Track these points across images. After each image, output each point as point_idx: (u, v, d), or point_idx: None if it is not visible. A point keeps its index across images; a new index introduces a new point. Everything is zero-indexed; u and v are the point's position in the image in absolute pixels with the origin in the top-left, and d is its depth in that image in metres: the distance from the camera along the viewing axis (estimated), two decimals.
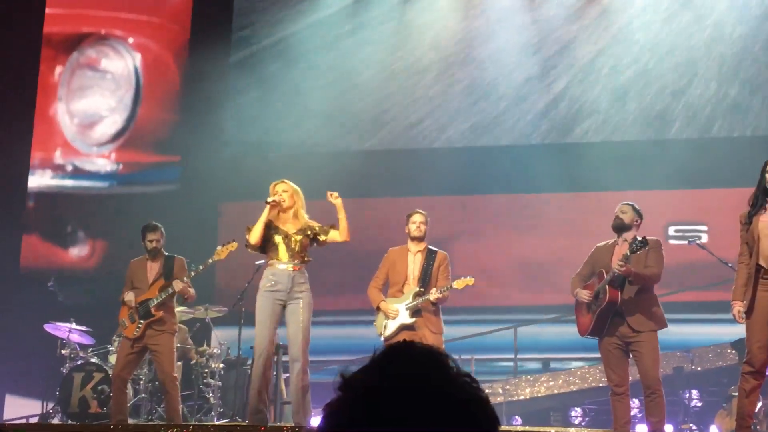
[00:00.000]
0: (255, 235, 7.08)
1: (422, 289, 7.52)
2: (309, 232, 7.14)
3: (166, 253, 8.11)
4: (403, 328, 7.49)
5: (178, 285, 7.71)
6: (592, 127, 11.07)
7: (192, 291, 7.88)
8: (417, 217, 7.69)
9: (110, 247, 12.33)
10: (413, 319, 7.49)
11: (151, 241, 7.97)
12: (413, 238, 7.68)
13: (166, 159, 12.62)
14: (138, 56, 12.73)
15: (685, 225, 10.46)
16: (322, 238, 7.15)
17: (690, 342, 9.90)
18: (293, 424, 6.99)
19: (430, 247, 7.72)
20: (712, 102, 10.74)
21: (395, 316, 7.53)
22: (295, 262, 7.08)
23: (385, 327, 7.58)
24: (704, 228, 10.15)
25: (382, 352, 1.25)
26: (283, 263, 7.08)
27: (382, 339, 7.64)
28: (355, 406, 1.20)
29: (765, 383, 6.87)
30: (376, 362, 1.23)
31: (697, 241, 8.15)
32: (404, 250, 7.75)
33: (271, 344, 7.01)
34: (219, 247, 7.77)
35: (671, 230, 10.55)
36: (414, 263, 7.65)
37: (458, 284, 7.46)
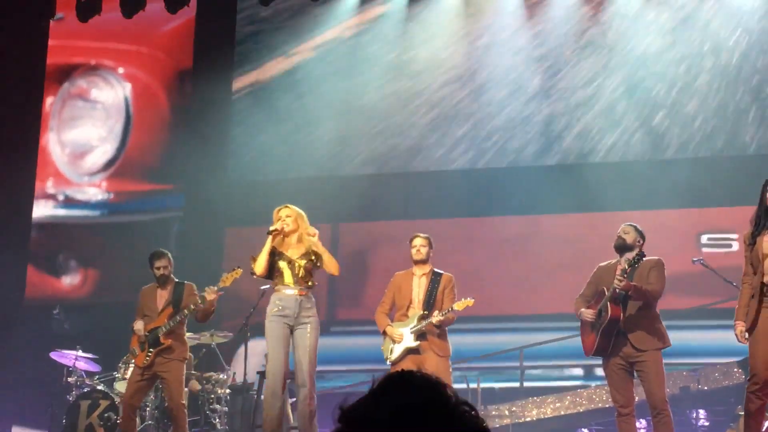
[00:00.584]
0: (260, 266, 7.12)
1: (426, 312, 7.53)
2: (313, 257, 7.16)
3: (176, 279, 8.13)
4: (409, 351, 7.50)
5: (210, 294, 7.69)
6: (599, 148, 11.07)
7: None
8: (417, 241, 7.71)
9: (102, 276, 12.38)
10: (418, 343, 7.49)
11: (158, 268, 7.99)
12: (415, 262, 7.70)
13: (159, 187, 12.68)
14: (128, 86, 12.84)
15: (718, 233, 10.45)
16: (319, 264, 7.19)
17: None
18: None
19: (435, 270, 7.73)
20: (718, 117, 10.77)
21: (400, 339, 7.54)
22: (301, 287, 7.11)
23: (391, 351, 7.59)
24: (735, 236, 10.10)
25: (380, 384, 1.26)
26: (289, 288, 7.10)
27: (388, 363, 7.64)
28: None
29: None
30: (374, 394, 1.24)
31: (702, 261, 8.14)
32: (409, 273, 7.76)
33: (283, 368, 7.01)
34: (224, 275, 7.79)
35: (704, 238, 10.56)
36: (419, 286, 7.66)
37: (458, 306, 7.46)
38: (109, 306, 11.61)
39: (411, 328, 7.51)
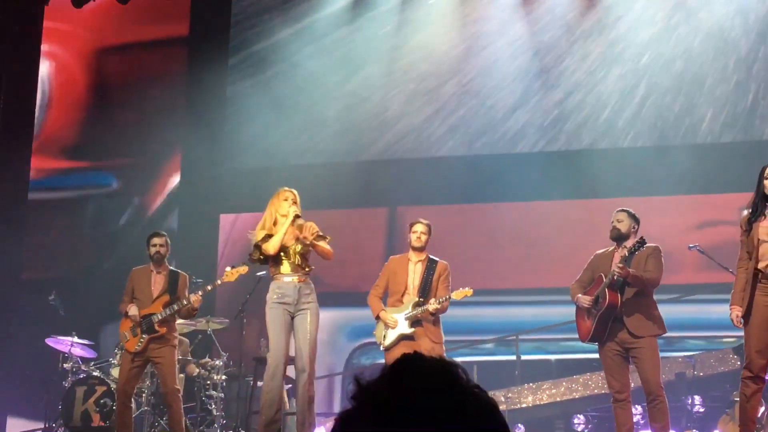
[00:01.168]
0: (274, 247, 7.06)
1: (422, 299, 7.52)
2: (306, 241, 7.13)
3: (171, 267, 8.11)
4: (403, 338, 7.50)
5: (194, 298, 7.72)
6: (597, 134, 11.07)
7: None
8: (418, 227, 7.68)
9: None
10: (412, 329, 7.49)
11: (154, 246, 7.93)
12: (414, 248, 7.69)
13: (77, 165, 12.70)
14: (49, 64, 12.80)
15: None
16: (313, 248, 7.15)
17: None
18: None
19: (431, 256, 7.71)
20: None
21: (394, 325, 7.53)
22: (299, 274, 7.09)
23: (384, 337, 7.59)
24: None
25: (395, 363, 1.26)
26: (287, 276, 7.09)
27: (381, 348, 7.65)
28: (368, 416, 1.22)
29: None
30: (389, 373, 1.24)
31: (698, 247, 8.15)
32: (405, 259, 7.75)
33: (284, 354, 7.01)
34: (228, 269, 7.76)
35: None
36: (414, 273, 7.65)
37: (456, 295, 7.46)
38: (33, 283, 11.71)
39: (406, 315, 7.51)
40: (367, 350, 11.35)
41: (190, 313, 7.98)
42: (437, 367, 1.25)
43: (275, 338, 7.02)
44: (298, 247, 7.09)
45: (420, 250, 7.66)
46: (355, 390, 1.25)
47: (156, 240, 7.96)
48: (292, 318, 7.03)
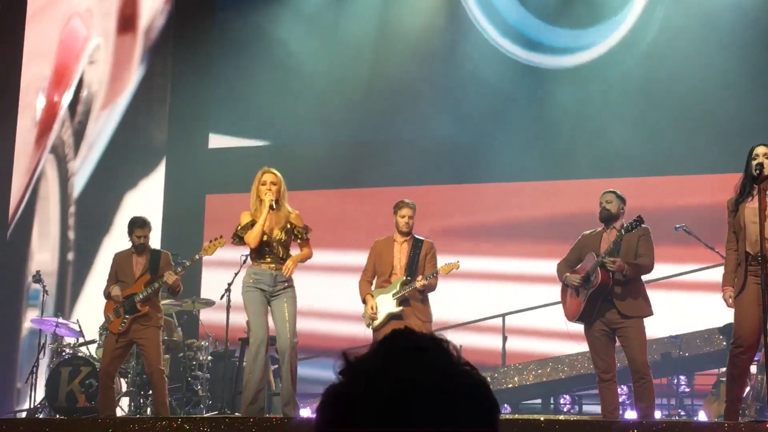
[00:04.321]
0: (255, 239, 7.02)
1: (409, 278, 7.51)
2: (294, 231, 7.07)
3: (152, 248, 8.08)
4: (391, 317, 7.48)
5: (170, 277, 7.67)
6: (576, 115, 11.04)
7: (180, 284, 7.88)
8: (406, 211, 7.61)
9: None
10: (401, 308, 7.48)
11: (139, 237, 7.91)
12: (401, 233, 7.65)
13: None
14: None
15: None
16: (299, 239, 7.11)
17: None
18: (282, 416, 6.98)
19: (416, 236, 7.69)
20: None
21: (373, 313, 7.51)
22: (277, 263, 7.04)
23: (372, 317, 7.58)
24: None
25: (385, 338, 1.24)
26: (265, 262, 7.05)
27: (370, 329, 7.63)
28: (357, 391, 1.19)
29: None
30: (379, 347, 1.22)
31: (684, 227, 8.16)
32: (390, 240, 7.72)
33: (265, 334, 6.99)
34: (206, 243, 7.71)
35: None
36: (400, 252, 7.63)
37: (444, 269, 7.47)
38: None
39: (393, 294, 7.50)
40: None
41: (173, 292, 7.94)
42: (428, 342, 1.23)
43: (254, 319, 7.00)
44: (282, 236, 7.02)
45: (406, 234, 7.64)
46: (344, 365, 1.22)
47: (139, 231, 7.91)
48: (269, 301, 7.01)
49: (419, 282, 7.41)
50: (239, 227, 7.11)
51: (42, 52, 12.79)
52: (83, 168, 12.63)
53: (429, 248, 7.63)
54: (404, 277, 7.52)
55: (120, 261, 8.01)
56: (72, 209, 12.50)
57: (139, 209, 9.82)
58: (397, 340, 1.24)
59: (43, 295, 10.28)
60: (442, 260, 7.64)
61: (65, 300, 12.03)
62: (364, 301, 7.63)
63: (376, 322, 7.52)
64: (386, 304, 7.52)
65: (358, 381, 1.20)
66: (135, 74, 12.69)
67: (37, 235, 12.46)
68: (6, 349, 11.59)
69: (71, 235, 12.40)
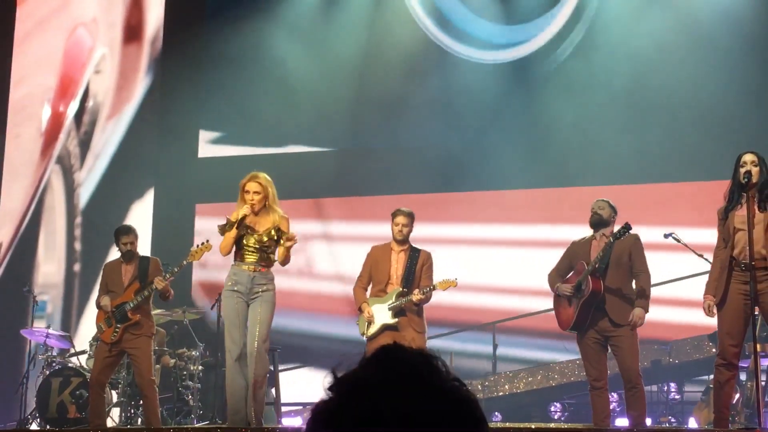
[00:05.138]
0: (225, 249, 7.05)
1: (405, 290, 7.46)
2: (275, 236, 7.03)
3: (141, 255, 8.08)
4: (386, 328, 7.44)
5: (160, 283, 7.66)
6: (566, 122, 11.05)
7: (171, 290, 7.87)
8: (400, 219, 7.58)
9: None
10: (396, 320, 7.45)
11: (125, 244, 7.92)
12: (396, 241, 7.64)
13: None
14: None
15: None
16: (281, 242, 7.08)
17: None
18: (274, 425, 6.98)
19: (414, 245, 7.66)
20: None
21: (369, 319, 7.49)
22: (257, 264, 7.03)
23: (367, 327, 7.55)
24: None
25: (373, 354, 1.25)
26: (245, 263, 7.04)
27: (365, 339, 7.61)
28: (344, 408, 1.20)
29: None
30: (367, 364, 1.23)
31: (674, 236, 8.18)
32: (387, 248, 7.67)
33: (240, 343, 6.95)
34: (193, 248, 7.70)
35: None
36: (398, 262, 7.58)
37: (441, 285, 7.39)
38: None
39: (389, 305, 7.46)
40: None
41: (163, 298, 7.93)
42: (416, 358, 1.24)
43: (230, 327, 6.99)
44: (264, 238, 7.00)
45: (403, 242, 7.63)
46: (332, 380, 1.23)
47: (125, 239, 7.92)
48: (248, 306, 6.99)
49: (416, 296, 7.36)
50: (225, 223, 7.08)
51: (48, 62, 12.77)
52: (89, 178, 12.56)
53: (426, 259, 7.60)
54: (400, 289, 7.49)
55: (109, 271, 8.01)
56: (78, 220, 12.42)
57: (146, 219, 9.79)
58: (386, 356, 1.24)
59: (32, 306, 10.25)
60: (437, 272, 7.61)
61: (72, 311, 11.99)
62: (360, 309, 7.60)
63: (371, 332, 7.49)
64: (382, 314, 7.48)
65: (344, 397, 1.21)
66: (141, 84, 12.65)
67: (43, 246, 12.42)
68: (12, 361, 11.52)
69: (77, 246, 12.34)
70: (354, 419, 1.19)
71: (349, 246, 10.98)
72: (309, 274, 11.54)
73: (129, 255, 7.92)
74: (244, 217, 6.95)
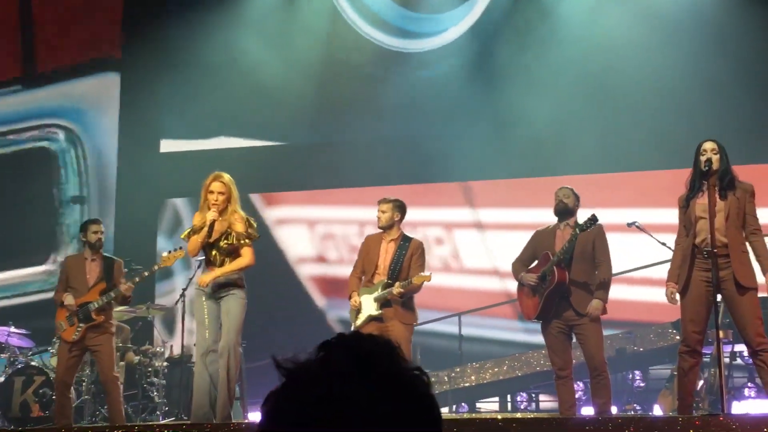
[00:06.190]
0: (194, 251, 7.01)
1: (390, 281, 7.38)
2: (233, 239, 6.94)
3: (105, 254, 8.00)
4: (372, 319, 7.38)
5: (125, 287, 7.62)
6: (534, 115, 11.08)
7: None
8: (380, 206, 7.55)
9: None
10: (381, 311, 7.35)
11: (95, 233, 7.82)
12: (381, 228, 7.59)
13: None
14: None
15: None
16: (237, 243, 7.02)
17: None
18: (240, 420, 6.95)
19: (405, 234, 7.57)
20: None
21: (355, 307, 7.46)
22: (221, 266, 6.98)
23: (356, 318, 7.51)
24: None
25: (324, 344, 1.23)
26: (209, 267, 7.00)
27: (352, 329, 7.57)
28: (300, 392, 1.19)
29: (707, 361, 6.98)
30: (324, 354, 1.22)
31: (637, 224, 8.23)
32: (379, 237, 7.59)
33: (206, 339, 6.91)
34: (165, 254, 7.64)
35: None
36: (386, 252, 7.50)
37: (416, 280, 7.29)
38: None
39: (375, 296, 7.40)
40: None
41: (124, 301, 7.88)
42: (374, 346, 1.22)
43: (199, 325, 6.97)
44: (222, 244, 6.94)
45: (388, 228, 7.56)
46: (285, 370, 1.22)
47: (95, 227, 7.86)
48: (218, 303, 6.95)
49: (396, 289, 7.27)
50: (190, 229, 7.06)
51: None
52: None
53: (416, 248, 7.51)
54: (386, 280, 7.43)
55: (72, 266, 7.89)
56: None
57: None
58: (338, 347, 1.23)
59: None
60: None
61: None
62: (351, 298, 7.56)
63: (358, 322, 7.44)
64: (368, 305, 7.43)
65: (297, 386, 1.20)
66: None
67: None
68: None
69: None
70: (304, 408, 1.18)
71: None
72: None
73: (99, 246, 7.82)
74: (213, 222, 6.89)
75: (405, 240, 7.53)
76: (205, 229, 6.88)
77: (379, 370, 1.18)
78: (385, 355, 1.20)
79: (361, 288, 7.54)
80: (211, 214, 6.88)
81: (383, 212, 7.52)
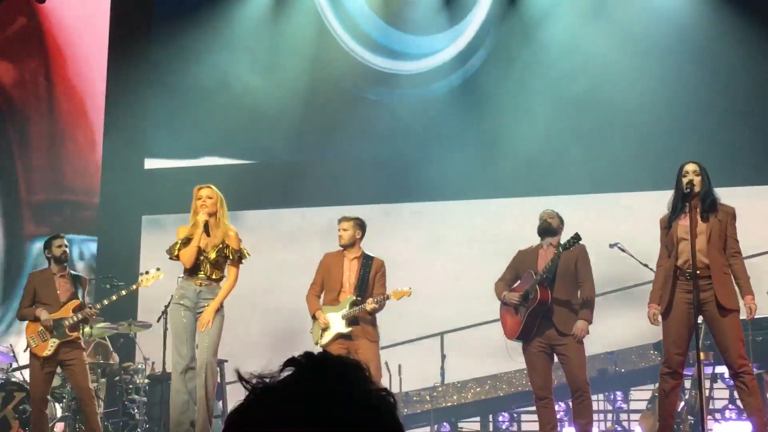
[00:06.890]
0: (189, 260, 6.94)
1: (359, 298, 7.40)
2: (225, 251, 6.96)
3: (71, 271, 8.00)
4: (340, 336, 7.39)
5: (91, 312, 7.69)
6: (513, 134, 11.11)
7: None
8: (341, 225, 7.53)
9: None
10: (350, 329, 7.38)
11: (59, 246, 7.81)
12: (342, 247, 7.61)
13: None
14: None
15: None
16: (230, 259, 7.02)
17: None
18: None
19: (366, 253, 7.57)
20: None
21: (325, 326, 7.43)
22: (203, 279, 6.97)
23: (321, 336, 7.49)
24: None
25: (295, 360, 1.23)
26: (193, 279, 6.97)
27: (319, 347, 7.55)
28: (273, 411, 1.19)
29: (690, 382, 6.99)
30: (293, 371, 1.22)
31: (619, 245, 8.26)
32: (339, 255, 7.56)
33: (183, 356, 6.88)
34: (144, 275, 7.63)
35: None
36: (350, 270, 7.49)
37: (395, 295, 7.31)
38: None
39: (343, 314, 7.39)
40: None
41: (87, 322, 7.91)
42: (341, 367, 1.23)
43: (176, 340, 6.94)
44: (214, 256, 6.93)
45: (348, 247, 7.58)
46: (251, 387, 1.22)
47: (59, 241, 7.85)
48: (195, 319, 6.92)
49: (369, 305, 7.28)
50: (175, 243, 7.03)
51: None
52: None
53: (379, 267, 7.51)
54: (354, 297, 7.43)
55: (38, 282, 7.85)
56: None
57: None
58: (305, 366, 1.23)
59: None
60: (390, 283, 7.56)
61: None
62: (314, 317, 7.53)
63: (324, 341, 7.42)
64: (336, 323, 7.42)
65: (269, 404, 1.20)
66: None
67: None
68: None
69: None
70: (263, 422, 1.18)
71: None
72: None
73: (64, 259, 7.80)
74: (206, 222, 6.88)
75: (367, 258, 7.52)
76: (200, 231, 6.87)
77: (353, 392, 1.19)
78: (358, 376, 1.21)
79: (324, 307, 7.52)
80: (201, 216, 6.88)
81: (345, 230, 7.50)
